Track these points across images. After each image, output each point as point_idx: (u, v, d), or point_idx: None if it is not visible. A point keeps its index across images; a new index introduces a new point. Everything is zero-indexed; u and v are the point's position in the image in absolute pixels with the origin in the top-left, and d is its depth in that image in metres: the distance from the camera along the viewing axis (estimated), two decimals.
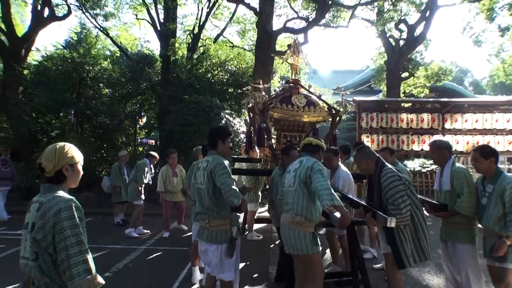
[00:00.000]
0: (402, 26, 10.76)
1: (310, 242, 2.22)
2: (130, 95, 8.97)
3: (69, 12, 9.78)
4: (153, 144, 10.00)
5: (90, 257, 1.31)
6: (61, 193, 1.38)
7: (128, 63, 9.58)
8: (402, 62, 11.02)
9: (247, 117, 5.69)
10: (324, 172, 2.22)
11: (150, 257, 4.15)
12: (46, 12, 9.70)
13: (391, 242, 2.22)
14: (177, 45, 9.52)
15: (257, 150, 4.64)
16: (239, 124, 8.08)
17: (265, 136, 3.92)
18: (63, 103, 8.32)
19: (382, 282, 3.13)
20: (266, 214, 5.86)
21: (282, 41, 10.44)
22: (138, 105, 9.53)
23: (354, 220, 2.81)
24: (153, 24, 10.05)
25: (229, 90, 9.12)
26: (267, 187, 3.86)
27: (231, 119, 8.02)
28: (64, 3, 9.77)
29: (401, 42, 10.78)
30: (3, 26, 9.58)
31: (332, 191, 2.08)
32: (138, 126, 9.72)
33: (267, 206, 5.65)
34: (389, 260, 2.30)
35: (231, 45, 11.68)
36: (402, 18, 10.38)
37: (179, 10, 10.30)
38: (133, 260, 4.04)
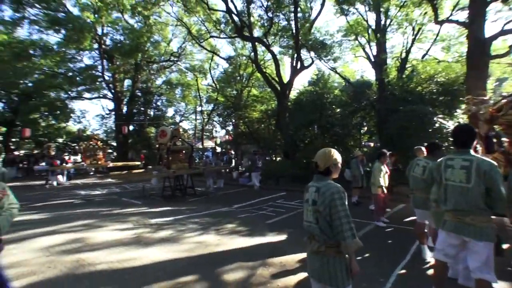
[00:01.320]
0: None
1: None
2: (355, 111, 12.67)
3: (312, 62, 15.27)
4: (374, 145, 13.12)
5: (353, 226, 1.94)
6: (331, 182, 2.07)
7: (352, 88, 13.49)
8: None
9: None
10: None
11: (378, 233, 5.38)
12: (298, 65, 15.71)
13: None
14: (388, 70, 12.32)
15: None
16: (453, 126, 9.31)
17: (494, 142, 4.05)
18: (311, 121, 13.24)
19: None
20: None
21: (495, 45, 10.44)
22: (360, 118, 13.14)
23: None
24: (368, 58, 13.60)
25: (439, 98, 10.53)
26: None
27: (444, 122, 9.44)
28: (309, 57, 15.36)
29: None
30: (276, 79, 16.52)
31: None
32: (361, 133, 13.32)
33: None
34: None
35: (438, 60, 13.00)
36: None
37: (388, 43, 13.30)
38: (366, 233, 5.41)
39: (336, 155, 2.19)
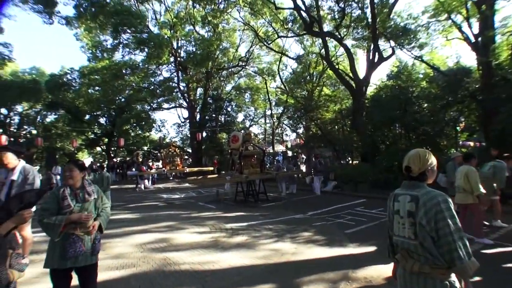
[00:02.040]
0: None
1: None
2: (449, 104, 11.18)
3: (392, 53, 14.09)
4: (475, 145, 11.37)
5: (467, 242, 1.63)
6: (430, 188, 1.76)
7: (444, 78, 11.95)
8: None
9: None
10: None
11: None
12: (376, 57, 14.68)
13: None
14: (497, 50, 10.44)
15: None
16: None
17: None
18: (392, 119, 12.21)
19: None
20: None
21: None
22: (456, 112, 11.52)
23: None
24: (465, 39, 11.81)
25: None
26: None
27: None
28: (388, 47, 14.22)
29: None
30: (350, 74, 15.75)
31: None
32: (457, 130, 11.65)
33: None
34: None
35: None
36: None
37: (497, 15, 11.19)
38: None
39: (432, 158, 1.94)
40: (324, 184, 12.76)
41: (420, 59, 13.46)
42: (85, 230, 2.62)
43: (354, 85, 15.19)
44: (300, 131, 22.14)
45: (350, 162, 16.33)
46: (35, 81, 25.45)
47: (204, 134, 25.12)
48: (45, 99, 26.24)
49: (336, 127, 17.46)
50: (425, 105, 11.96)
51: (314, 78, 22.30)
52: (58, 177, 18.53)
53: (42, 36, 65.85)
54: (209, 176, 14.91)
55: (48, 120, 30.45)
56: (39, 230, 3.00)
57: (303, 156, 19.27)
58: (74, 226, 2.58)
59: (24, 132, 28.59)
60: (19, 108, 28.45)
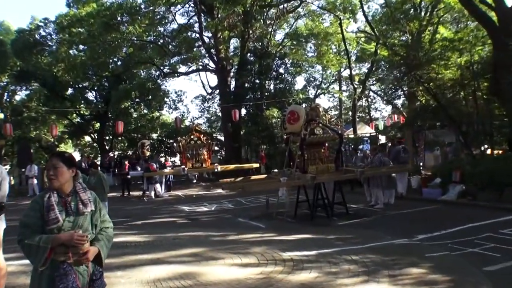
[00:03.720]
0: None
1: None
2: None
3: None
4: None
5: None
6: None
7: None
8: None
9: None
10: None
11: None
12: None
13: None
14: None
15: None
16: None
17: None
18: None
19: None
20: None
21: None
22: None
23: None
24: None
25: None
26: None
27: None
28: None
29: None
30: (489, 1, 14.63)
31: None
32: None
33: None
34: None
35: None
36: None
37: None
38: None
39: None
40: (442, 189, 12.32)
41: None
42: (78, 257, 2.72)
43: (496, 19, 14.19)
44: (399, 102, 21.39)
45: (489, 151, 15.67)
46: None
47: (244, 111, 25.46)
48: (12, 67, 28.51)
49: (462, 93, 16.55)
50: None
51: (423, 12, 21.19)
52: (35, 181, 20.27)
53: None
54: (253, 178, 15.03)
55: (17, 98, 33.32)
56: (14, 257, 3.21)
57: (402, 144, 18.62)
58: (65, 250, 2.70)
59: None
60: None
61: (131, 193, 19.30)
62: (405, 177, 13.75)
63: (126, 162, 21.94)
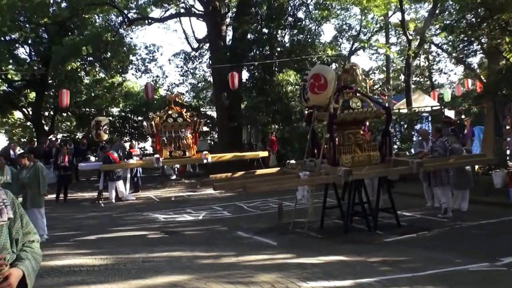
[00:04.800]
0: None
1: None
2: None
3: None
4: None
5: None
6: None
7: None
8: None
9: None
10: None
11: None
12: None
13: None
14: None
15: None
16: None
17: None
18: None
19: None
20: None
21: None
22: None
23: None
24: None
25: None
26: None
27: None
28: None
29: None
30: None
31: None
32: None
33: None
34: None
35: None
36: None
37: None
38: None
39: None
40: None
41: None
42: None
43: None
44: (475, 60, 21.17)
45: None
46: None
47: (246, 75, 25.33)
48: None
49: None
50: None
51: None
52: None
53: None
54: (259, 172, 14.98)
55: None
56: None
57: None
58: None
59: None
60: None
61: (80, 194, 19.23)
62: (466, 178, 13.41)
63: (65, 149, 21.47)
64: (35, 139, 30.71)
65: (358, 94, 11.25)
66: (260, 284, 7.11)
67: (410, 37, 24.78)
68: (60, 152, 20.88)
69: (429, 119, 21.81)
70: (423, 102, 26.48)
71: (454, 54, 22.43)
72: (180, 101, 20.67)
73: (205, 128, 25.52)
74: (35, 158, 11.03)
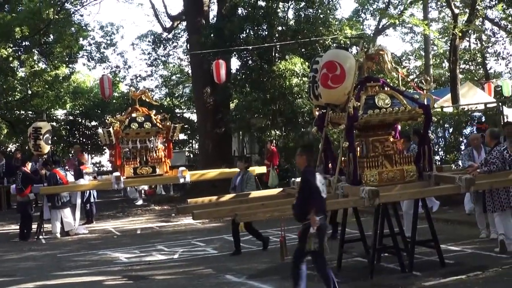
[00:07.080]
0: None
1: None
2: None
3: None
4: None
5: None
6: None
7: None
8: None
9: None
10: None
11: None
12: None
13: None
14: None
15: None
16: None
17: None
18: None
19: None
20: None
21: None
22: None
23: None
24: None
25: None
26: None
27: None
28: None
29: None
30: None
31: None
32: None
33: None
34: None
35: None
36: None
37: None
38: None
39: None
40: None
41: None
42: None
43: None
44: None
45: None
46: None
47: (236, 63, 25.43)
48: None
49: None
50: None
51: None
52: None
53: None
54: (253, 194, 15.03)
55: None
56: None
57: None
58: None
59: None
60: None
61: (11, 228, 19.19)
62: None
63: None
64: None
65: (386, 89, 11.29)
66: None
67: (457, 11, 24.91)
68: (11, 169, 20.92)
69: (483, 121, 21.91)
70: (475, 97, 26.63)
71: None
72: (147, 99, 20.67)
73: (181, 136, 25.63)
74: None
